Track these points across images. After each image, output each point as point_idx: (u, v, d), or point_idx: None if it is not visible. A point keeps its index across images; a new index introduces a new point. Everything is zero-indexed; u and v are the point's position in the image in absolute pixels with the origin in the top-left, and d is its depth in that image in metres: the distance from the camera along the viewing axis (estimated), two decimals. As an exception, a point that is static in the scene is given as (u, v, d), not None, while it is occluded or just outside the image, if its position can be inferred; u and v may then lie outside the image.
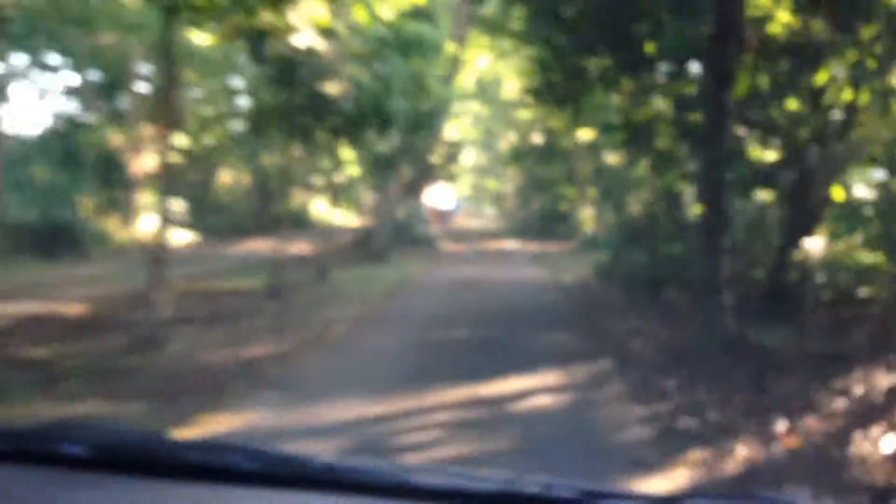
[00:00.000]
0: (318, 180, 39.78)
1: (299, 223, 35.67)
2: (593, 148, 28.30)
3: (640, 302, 11.28)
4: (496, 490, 1.34)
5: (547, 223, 32.13)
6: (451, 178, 37.93)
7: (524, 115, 40.37)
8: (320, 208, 41.12)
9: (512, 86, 39.42)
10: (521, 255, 24.04)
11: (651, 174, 14.25)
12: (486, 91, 42.88)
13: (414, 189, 27.98)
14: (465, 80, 36.93)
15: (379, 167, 19.09)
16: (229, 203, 32.31)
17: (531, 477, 1.38)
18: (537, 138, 35.64)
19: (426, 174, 29.43)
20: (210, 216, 28.21)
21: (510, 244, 29.50)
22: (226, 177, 33.36)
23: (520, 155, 35.47)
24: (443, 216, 35.41)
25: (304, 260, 17.92)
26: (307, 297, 12.60)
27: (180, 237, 22.91)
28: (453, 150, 34.70)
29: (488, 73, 39.32)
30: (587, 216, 31.86)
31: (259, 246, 24.08)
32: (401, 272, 16.54)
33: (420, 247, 24.17)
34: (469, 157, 55.65)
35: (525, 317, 10.72)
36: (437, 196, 33.31)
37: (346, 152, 32.16)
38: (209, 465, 1.40)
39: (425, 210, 29.21)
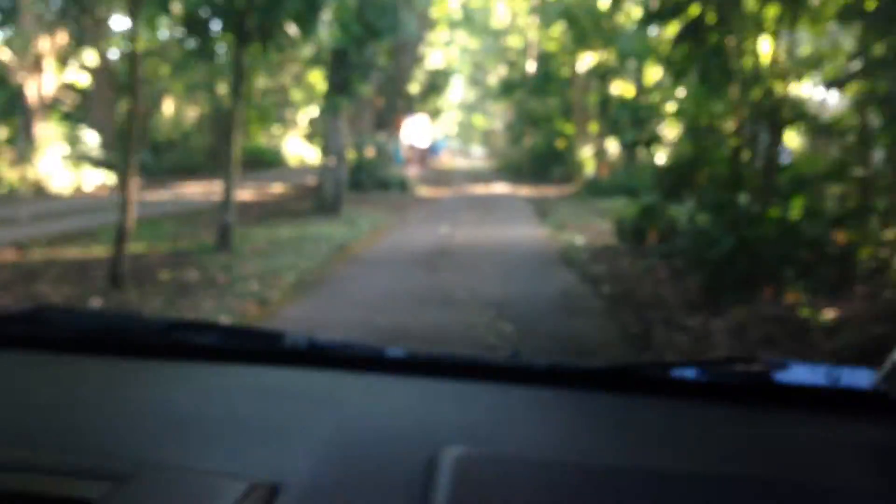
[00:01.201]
0: (287, 114, 34.25)
1: (267, 163, 30.31)
2: (598, 74, 22.97)
3: (731, 299, 6.14)
4: (463, 361, 1.27)
5: (541, 163, 26.93)
6: (434, 112, 32.51)
7: (516, 42, 34.74)
8: (292, 146, 35.65)
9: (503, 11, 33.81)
10: (514, 202, 18.79)
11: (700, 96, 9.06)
12: (473, 20, 37.10)
13: (387, 123, 22.60)
14: (450, 5, 31.31)
15: (331, 89, 13.76)
16: (178, 140, 26.87)
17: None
18: (531, 68, 30.13)
19: (402, 105, 23.99)
20: (150, 154, 22.76)
21: (500, 188, 24.24)
22: (171, 109, 27.80)
23: (511, 87, 30.06)
24: (422, 155, 29.93)
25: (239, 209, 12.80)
26: (176, 281, 7.49)
27: (91, 180, 17.67)
28: (437, 80, 29.17)
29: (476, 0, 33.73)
30: (588, 156, 26.54)
31: (202, 189, 18.92)
32: (348, 233, 11.27)
33: (390, 192, 18.91)
34: (456, 92, 49.88)
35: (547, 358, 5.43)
36: (417, 132, 27.75)
37: (317, 80, 26.60)
38: (187, 343, 1.32)
39: (401, 148, 23.70)
